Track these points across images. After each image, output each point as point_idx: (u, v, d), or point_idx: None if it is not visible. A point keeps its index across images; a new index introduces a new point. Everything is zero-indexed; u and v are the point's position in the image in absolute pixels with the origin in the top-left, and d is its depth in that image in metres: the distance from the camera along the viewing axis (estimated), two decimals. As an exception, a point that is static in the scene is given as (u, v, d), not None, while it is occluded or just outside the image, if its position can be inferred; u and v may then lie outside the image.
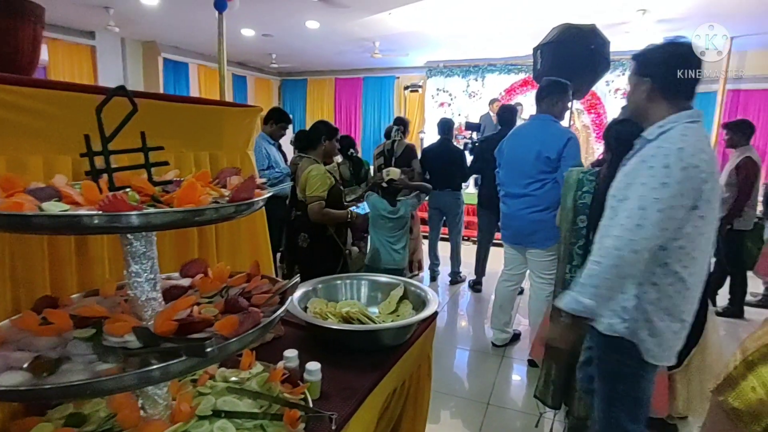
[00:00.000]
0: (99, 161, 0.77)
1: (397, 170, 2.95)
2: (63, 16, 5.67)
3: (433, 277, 4.63)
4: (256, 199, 0.81)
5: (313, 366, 1.19)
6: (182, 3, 5.05)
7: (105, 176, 0.77)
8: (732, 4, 4.59)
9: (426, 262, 4.73)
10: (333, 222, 2.67)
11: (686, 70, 1.33)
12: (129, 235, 0.78)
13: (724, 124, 4.04)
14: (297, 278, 0.97)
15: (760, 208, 3.85)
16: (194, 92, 7.95)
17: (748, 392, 0.51)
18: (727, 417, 0.54)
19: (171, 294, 0.94)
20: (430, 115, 8.25)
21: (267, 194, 0.89)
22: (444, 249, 4.64)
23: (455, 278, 4.55)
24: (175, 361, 0.68)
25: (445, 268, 4.68)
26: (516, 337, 3.28)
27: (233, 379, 1.06)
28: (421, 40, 6.49)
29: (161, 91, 7.22)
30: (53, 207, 0.66)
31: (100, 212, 0.64)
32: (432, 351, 1.79)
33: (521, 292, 3.85)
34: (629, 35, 5.35)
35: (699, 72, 1.35)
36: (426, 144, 6.86)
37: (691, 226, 1.27)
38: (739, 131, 3.70)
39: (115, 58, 6.81)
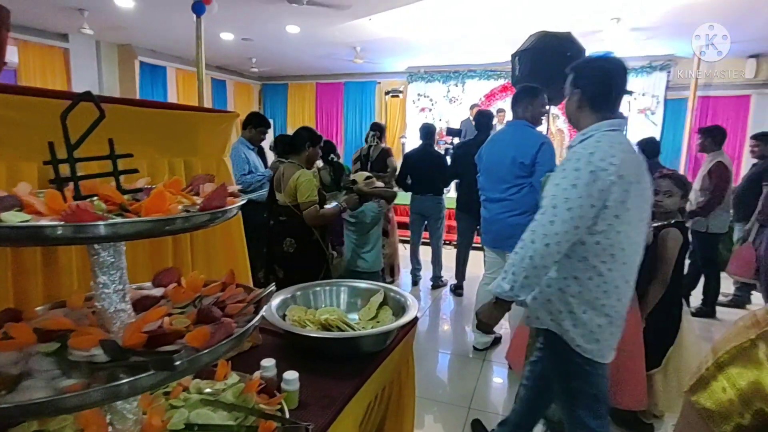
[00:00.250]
0: (66, 169, 0.75)
1: (364, 174, 2.96)
2: (34, 18, 5.52)
3: (415, 282, 4.64)
4: (228, 207, 0.80)
5: (291, 375, 1.18)
6: (159, 6, 4.98)
7: (71, 185, 0.75)
8: (700, 14, 4.75)
9: (408, 267, 4.74)
10: (329, 220, 2.71)
11: (612, 85, 1.48)
12: (96, 246, 0.76)
13: (698, 128, 4.19)
14: (272, 287, 0.96)
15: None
16: (172, 96, 7.83)
17: (719, 393, 0.53)
18: (700, 417, 0.55)
19: (142, 305, 0.91)
20: (412, 120, 8.31)
21: (241, 201, 0.87)
22: (426, 253, 4.66)
23: (437, 282, 4.57)
24: (143, 375, 0.66)
25: (427, 273, 4.70)
26: (497, 340, 3.30)
27: (207, 390, 1.04)
28: (402, 45, 6.53)
29: (137, 95, 7.09)
30: (13, 217, 0.64)
31: (63, 223, 0.62)
32: (412, 356, 1.79)
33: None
34: (604, 43, 5.49)
35: (624, 87, 1.51)
36: (408, 149, 6.91)
37: (606, 225, 1.38)
38: (710, 136, 3.83)
39: (89, 62, 6.67)
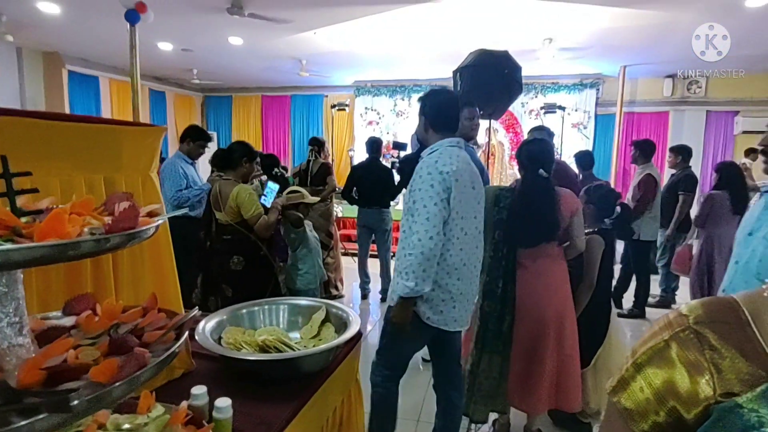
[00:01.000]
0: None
1: (291, 188, 2.95)
2: (-58, 22, 5.03)
3: (364, 295, 4.61)
4: (142, 228, 0.74)
5: (223, 402, 1.11)
6: (89, 12, 4.70)
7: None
8: (624, 37, 5.15)
9: (357, 280, 4.70)
10: (275, 224, 2.71)
11: (448, 112, 1.88)
12: (-16, 274, 0.68)
13: (632, 141, 4.55)
14: (195, 311, 0.90)
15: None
16: (106, 108, 7.39)
17: (637, 392, 0.55)
18: (621, 417, 0.57)
19: (47, 337, 0.83)
20: (359, 134, 8.35)
21: (159, 221, 0.82)
22: (374, 266, 4.65)
23: (386, 295, 4.57)
24: (37, 418, 0.60)
25: (376, 286, 4.68)
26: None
27: (126, 426, 0.96)
28: (349, 59, 6.56)
29: (66, 107, 6.62)
30: None
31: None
32: (358, 373, 1.76)
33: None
34: (538, 61, 5.81)
35: (457, 114, 1.92)
36: (356, 162, 6.93)
37: (450, 219, 1.74)
38: (640, 149, 4.15)
39: (9, 70, 6.15)
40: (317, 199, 3.01)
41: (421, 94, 2.09)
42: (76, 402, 0.57)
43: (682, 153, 4.28)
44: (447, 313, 1.82)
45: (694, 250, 3.84)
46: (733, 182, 3.69)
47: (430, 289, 1.75)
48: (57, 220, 0.63)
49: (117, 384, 0.67)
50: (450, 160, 1.75)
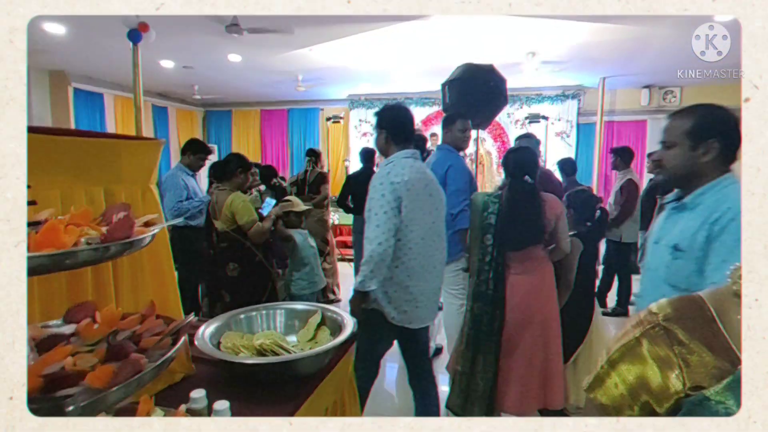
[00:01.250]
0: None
1: (284, 198, 3.02)
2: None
3: (361, 300, 4.65)
4: (138, 237, 0.79)
5: (221, 406, 1.14)
6: (94, 31, 4.80)
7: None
8: (604, 50, 5.27)
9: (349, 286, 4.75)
10: (269, 231, 2.76)
11: (405, 125, 1.98)
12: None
13: (610, 149, 4.65)
14: (191, 317, 0.94)
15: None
16: (110, 124, 7.50)
17: (612, 389, 0.57)
18: (598, 413, 0.59)
19: (47, 344, 0.86)
20: (354, 145, 8.47)
21: (154, 230, 0.86)
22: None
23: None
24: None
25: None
26: (438, 351, 3.39)
27: (125, 430, 0.99)
28: (343, 74, 6.67)
29: (71, 123, 6.73)
30: None
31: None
32: (353, 374, 1.79)
33: (441, 308, 3.98)
34: (522, 74, 5.93)
35: (413, 126, 2.01)
36: (351, 171, 7.06)
37: (403, 226, 1.86)
38: (620, 156, 4.25)
39: (15, 89, 6.26)
40: (306, 207, 3.08)
41: (376, 110, 2.16)
42: (71, 408, 0.60)
43: (660, 159, 4.35)
44: (411, 313, 1.95)
45: None
46: None
47: (393, 291, 1.91)
48: (52, 231, 0.67)
49: (113, 389, 0.70)
50: (402, 171, 1.85)
